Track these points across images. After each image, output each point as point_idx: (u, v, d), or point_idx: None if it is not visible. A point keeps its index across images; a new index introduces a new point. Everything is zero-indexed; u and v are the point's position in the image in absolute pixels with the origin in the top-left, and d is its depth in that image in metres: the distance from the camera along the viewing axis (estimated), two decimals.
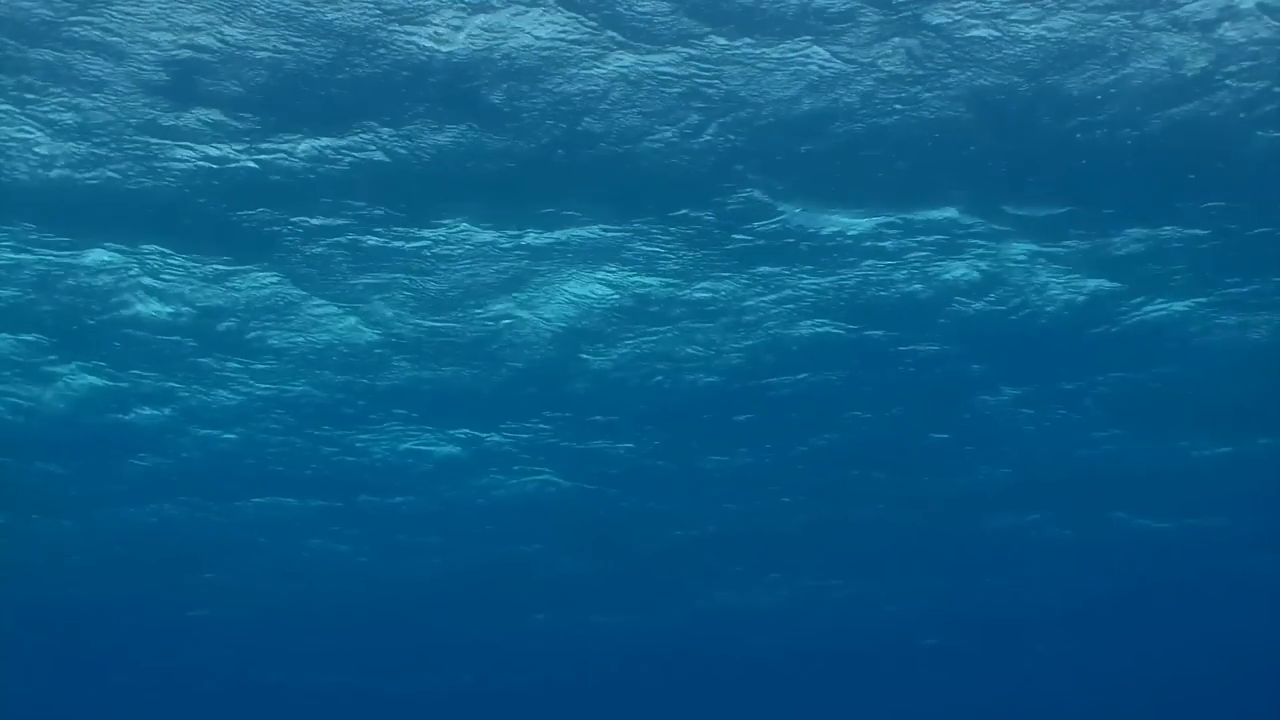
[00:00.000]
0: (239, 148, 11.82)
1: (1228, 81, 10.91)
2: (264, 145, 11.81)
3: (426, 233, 13.33)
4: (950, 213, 13.06)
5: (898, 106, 11.37)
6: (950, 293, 14.57)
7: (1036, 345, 15.69)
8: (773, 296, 14.63)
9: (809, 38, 10.61)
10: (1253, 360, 15.97)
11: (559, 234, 13.36)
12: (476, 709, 39.30)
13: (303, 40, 10.52)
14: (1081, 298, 14.64)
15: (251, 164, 12.03)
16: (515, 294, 14.51)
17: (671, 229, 13.30)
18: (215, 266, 13.86)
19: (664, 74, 10.97)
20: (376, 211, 12.83)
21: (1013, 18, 10.42)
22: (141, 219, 12.81)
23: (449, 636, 30.60)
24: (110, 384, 16.52)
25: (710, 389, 16.88)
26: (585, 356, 16.01)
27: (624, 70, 10.92)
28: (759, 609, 27.39)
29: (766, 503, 21.15)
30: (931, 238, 13.49)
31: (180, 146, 11.74)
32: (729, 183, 12.42)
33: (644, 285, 14.36)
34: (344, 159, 11.98)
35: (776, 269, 14.05)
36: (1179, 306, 14.93)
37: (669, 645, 31.20)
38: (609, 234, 13.38)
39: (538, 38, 10.57)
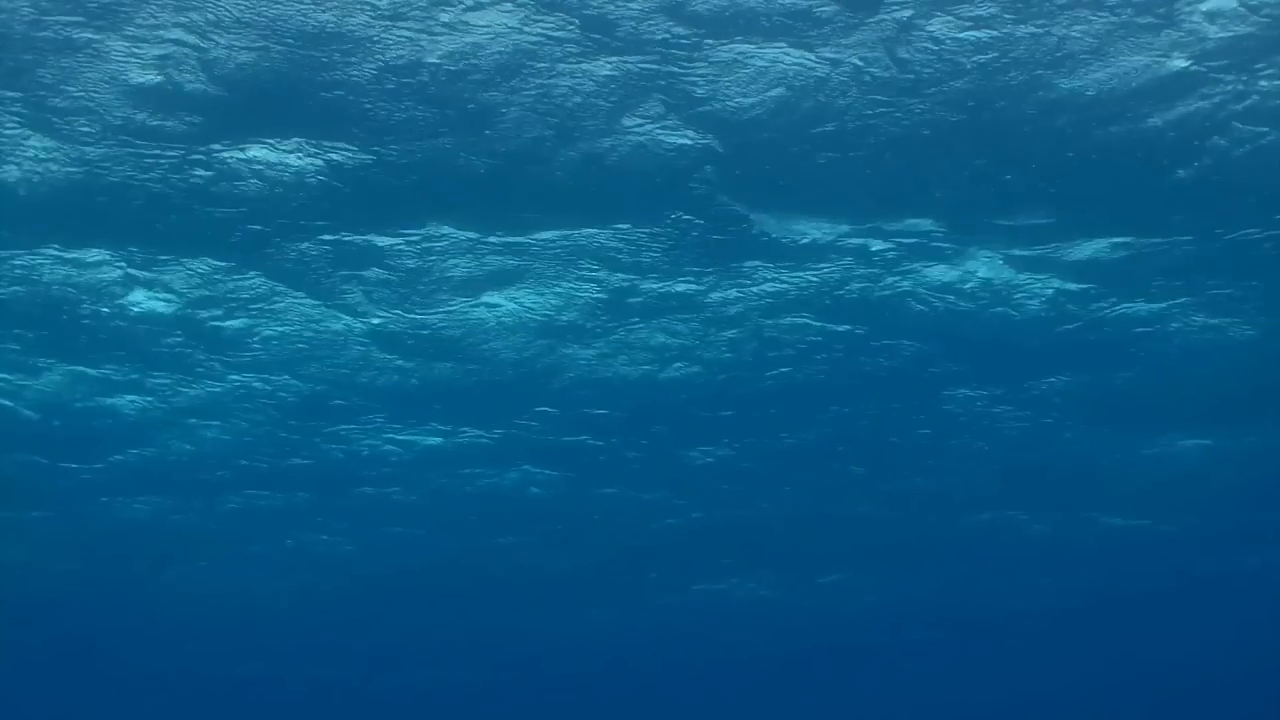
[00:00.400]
0: (222, 145, 11.79)
1: (1211, 75, 10.97)
2: (247, 144, 11.78)
3: (409, 231, 13.34)
4: (934, 214, 13.10)
5: (880, 110, 11.39)
6: (930, 292, 14.64)
7: (1016, 344, 15.78)
8: (754, 291, 14.67)
9: (787, 40, 10.61)
10: (1234, 359, 16.09)
11: (539, 232, 13.37)
12: (469, 706, 39.39)
13: (291, 41, 10.50)
14: (1059, 298, 14.73)
15: (235, 163, 12.02)
16: (497, 290, 14.53)
17: (655, 228, 13.33)
18: (200, 263, 13.84)
19: (644, 71, 10.97)
20: (359, 210, 12.82)
21: (1001, 18, 10.44)
22: (126, 217, 12.77)
23: (434, 631, 30.65)
24: (94, 377, 16.50)
25: (692, 383, 16.93)
26: (567, 351, 16.05)
27: (605, 70, 10.92)
28: (741, 602, 27.50)
29: (748, 496, 21.23)
30: (910, 240, 13.54)
31: (164, 146, 11.71)
32: (707, 184, 12.44)
33: (625, 280, 14.39)
34: (327, 158, 11.97)
35: (756, 264, 14.09)
36: (1158, 307, 15.04)
37: (651, 639, 31.31)
38: (589, 231, 13.40)
39: (522, 35, 10.56)
